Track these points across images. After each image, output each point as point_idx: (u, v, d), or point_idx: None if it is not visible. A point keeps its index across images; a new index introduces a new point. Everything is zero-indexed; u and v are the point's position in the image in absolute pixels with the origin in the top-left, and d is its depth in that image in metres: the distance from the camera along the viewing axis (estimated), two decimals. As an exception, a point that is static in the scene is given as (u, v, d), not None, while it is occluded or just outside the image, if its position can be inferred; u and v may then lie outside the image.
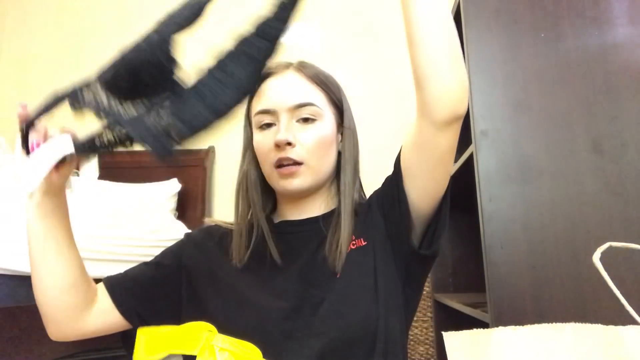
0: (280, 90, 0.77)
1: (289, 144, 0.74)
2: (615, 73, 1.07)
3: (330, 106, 0.80)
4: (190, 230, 0.89)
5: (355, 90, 0.93)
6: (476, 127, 1.06)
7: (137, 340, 0.56)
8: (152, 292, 0.78)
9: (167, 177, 2.44)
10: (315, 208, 0.82)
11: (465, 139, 1.15)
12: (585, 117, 1.05)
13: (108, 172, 2.48)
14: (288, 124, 0.75)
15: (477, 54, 1.10)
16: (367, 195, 0.85)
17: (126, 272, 0.81)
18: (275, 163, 0.75)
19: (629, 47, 1.08)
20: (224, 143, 2.66)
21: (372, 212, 0.78)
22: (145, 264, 0.83)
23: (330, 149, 0.79)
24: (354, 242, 0.76)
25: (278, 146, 0.74)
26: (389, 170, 0.79)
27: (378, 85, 2.60)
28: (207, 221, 0.89)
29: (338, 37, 2.70)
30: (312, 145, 0.75)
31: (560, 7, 1.10)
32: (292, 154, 0.74)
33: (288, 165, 0.75)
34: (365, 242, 0.76)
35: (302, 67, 0.80)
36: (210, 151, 2.64)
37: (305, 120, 0.76)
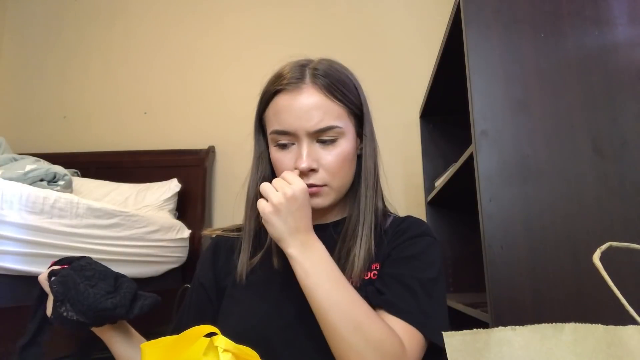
0: (298, 113, 0.72)
1: (312, 170, 0.72)
2: (615, 73, 1.07)
3: (350, 117, 0.76)
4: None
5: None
6: (476, 127, 1.06)
7: (142, 355, 0.56)
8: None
9: (167, 177, 2.44)
10: (327, 215, 0.81)
11: (465, 139, 1.15)
12: (585, 117, 1.05)
13: (108, 172, 2.49)
14: (309, 148, 0.72)
15: (477, 54, 1.10)
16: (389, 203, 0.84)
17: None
18: None
19: (629, 47, 1.08)
20: (224, 143, 2.67)
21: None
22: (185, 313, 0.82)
23: (352, 163, 0.76)
24: (372, 271, 0.73)
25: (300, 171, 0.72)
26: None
27: (377, 82, 2.60)
28: (207, 233, 0.86)
29: (336, 36, 2.71)
30: (335, 168, 0.73)
31: (560, 7, 1.10)
32: (315, 179, 0.72)
33: (311, 186, 0.72)
34: None
35: (318, 78, 0.74)
36: (210, 151, 2.64)
37: (327, 140, 0.73)
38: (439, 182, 1.72)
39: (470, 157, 1.11)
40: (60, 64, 2.90)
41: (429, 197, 1.94)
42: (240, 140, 0.83)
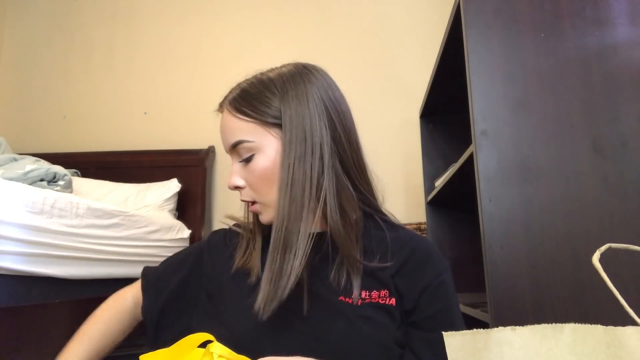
0: (221, 133, 0.77)
1: (238, 187, 0.75)
2: (615, 73, 1.07)
3: (268, 129, 0.72)
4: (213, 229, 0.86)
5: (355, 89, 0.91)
6: (476, 127, 1.06)
7: None
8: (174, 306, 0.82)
9: (167, 177, 2.44)
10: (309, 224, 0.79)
11: (465, 139, 1.15)
12: (585, 117, 1.05)
13: (108, 172, 2.49)
14: (235, 166, 0.75)
15: (477, 54, 1.10)
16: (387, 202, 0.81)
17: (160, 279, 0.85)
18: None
19: (629, 47, 1.08)
20: (224, 143, 2.67)
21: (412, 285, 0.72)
22: (174, 274, 0.84)
23: (275, 177, 0.72)
24: (382, 297, 0.71)
25: None
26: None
27: (376, 84, 2.59)
28: (226, 220, 0.87)
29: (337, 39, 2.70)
30: (256, 184, 0.74)
31: (560, 7, 1.10)
32: (244, 196, 0.75)
33: (252, 204, 0.76)
34: (395, 304, 0.71)
35: (233, 99, 0.75)
36: (210, 151, 2.64)
37: (246, 158, 0.74)
38: (439, 182, 1.72)
39: (470, 157, 1.11)
40: (61, 64, 2.90)
41: (429, 197, 1.94)
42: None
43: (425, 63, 2.07)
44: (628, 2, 1.10)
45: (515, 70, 1.08)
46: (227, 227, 0.88)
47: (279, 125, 0.72)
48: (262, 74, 0.78)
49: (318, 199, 0.70)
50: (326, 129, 0.72)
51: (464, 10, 1.13)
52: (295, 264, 0.66)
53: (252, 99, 0.73)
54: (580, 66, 1.07)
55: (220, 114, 0.79)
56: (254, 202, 0.75)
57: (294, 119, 0.72)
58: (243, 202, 0.81)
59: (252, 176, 0.73)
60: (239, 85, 0.78)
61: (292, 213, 0.69)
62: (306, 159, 0.70)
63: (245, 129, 0.73)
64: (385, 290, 0.71)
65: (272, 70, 0.78)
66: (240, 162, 0.75)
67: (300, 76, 0.75)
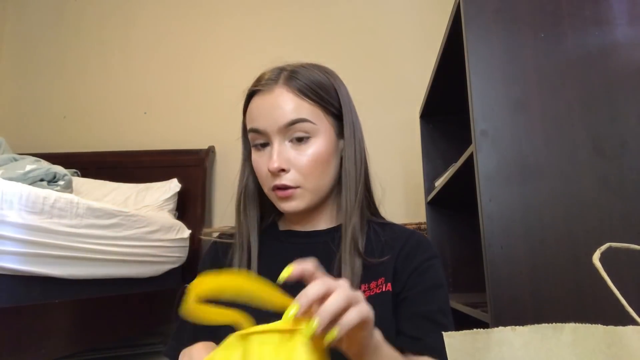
0: (268, 110, 0.72)
1: (283, 170, 0.71)
2: (615, 73, 1.07)
3: (327, 117, 0.74)
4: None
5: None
6: (476, 127, 1.06)
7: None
8: None
9: (167, 177, 2.44)
10: (321, 221, 0.79)
11: (465, 139, 1.15)
12: (585, 117, 1.05)
13: (108, 172, 2.49)
14: (280, 147, 0.71)
15: (477, 54, 1.10)
16: (382, 209, 0.82)
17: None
18: (273, 187, 0.72)
19: (629, 47, 1.08)
20: (224, 143, 2.67)
21: (403, 266, 0.73)
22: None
23: (329, 164, 0.74)
24: (379, 285, 0.71)
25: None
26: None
27: (375, 85, 2.59)
28: (205, 237, 0.84)
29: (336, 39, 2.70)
30: (307, 168, 0.71)
31: (560, 7, 1.10)
32: (286, 180, 0.71)
33: (285, 189, 0.72)
34: (392, 289, 0.71)
35: (291, 80, 0.73)
36: (210, 151, 2.64)
37: (299, 139, 0.71)
38: (439, 182, 1.72)
39: (470, 157, 1.11)
40: (60, 64, 2.90)
41: (429, 197, 1.94)
42: (240, 140, 0.83)
43: (425, 63, 2.07)
44: (628, 2, 1.10)
45: (515, 70, 1.08)
46: (212, 240, 0.84)
47: (335, 116, 0.76)
48: (309, 64, 0.77)
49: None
50: (360, 127, 0.78)
51: (464, 10, 1.13)
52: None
53: (316, 85, 0.74)
54: (580, 66, 1.07)
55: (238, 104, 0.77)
56: (291, 188, 0.72)
57: (348, 115, 0.76)
58: (234, 206, 0.79)
59: (303, 159, 0.71)
60: (292, 68, 0.74)
61: (352, 205, 0.73)
62: (356, 155, 0.75)
63: (309, 110, 0.72)
64: (382, 278, 0.72)
65: (312, 63, 0.78)
66: (289, 142, 0.72)
67: (335, 76, 0.79)
